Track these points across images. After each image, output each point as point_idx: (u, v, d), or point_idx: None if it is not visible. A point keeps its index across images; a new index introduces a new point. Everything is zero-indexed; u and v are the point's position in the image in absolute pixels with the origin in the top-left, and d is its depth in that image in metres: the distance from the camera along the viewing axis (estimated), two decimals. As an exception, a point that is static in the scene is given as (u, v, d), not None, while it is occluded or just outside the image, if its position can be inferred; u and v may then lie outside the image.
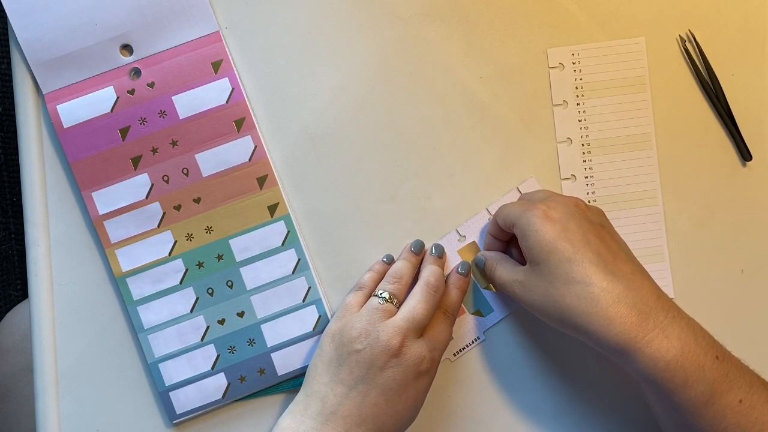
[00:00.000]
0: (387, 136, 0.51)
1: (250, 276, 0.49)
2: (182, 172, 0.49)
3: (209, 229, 0.49)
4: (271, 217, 0.50)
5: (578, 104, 0.52)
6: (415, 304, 0.45)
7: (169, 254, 0.49)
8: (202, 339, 0.49)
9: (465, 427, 0.50)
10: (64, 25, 0.48)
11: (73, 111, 0.49)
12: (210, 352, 0.49)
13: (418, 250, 0.50)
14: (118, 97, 0.49)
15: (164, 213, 0.49)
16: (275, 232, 0.50)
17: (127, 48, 0.49)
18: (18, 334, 0.65)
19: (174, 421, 0.49)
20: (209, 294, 0.49)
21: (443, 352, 0.47)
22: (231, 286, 0.49)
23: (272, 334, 0.49)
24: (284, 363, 0.49)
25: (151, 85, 0.49)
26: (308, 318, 0.50)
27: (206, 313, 0.49)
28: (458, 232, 0.51)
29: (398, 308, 0.46)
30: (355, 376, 0.43)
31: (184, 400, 0.49)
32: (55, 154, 0.50)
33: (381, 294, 0.46)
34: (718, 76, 0.51)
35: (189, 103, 0.49)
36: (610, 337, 0.40)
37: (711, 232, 0.52)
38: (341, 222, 0.51)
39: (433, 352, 0.45)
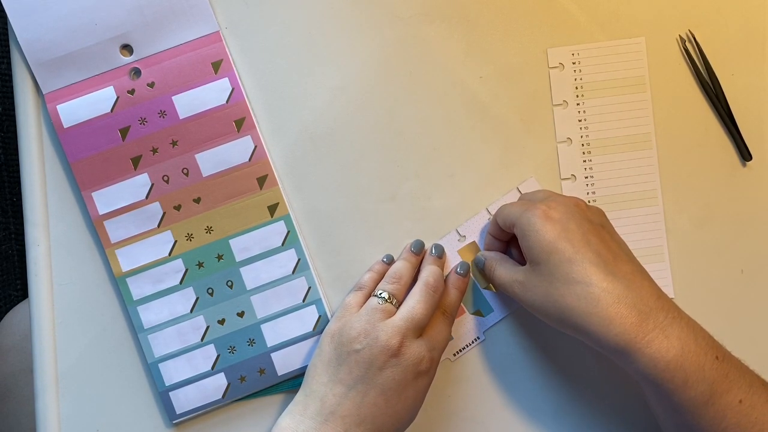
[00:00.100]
0: (387, 136, 0.51)
1: (250, 276, 0.49)
2: (182, 172, 0.49)
3: (209, 229, 0.49)
4: (271, 217, 0.50)
5: (578, 104, 0.52)
6: (414, 304, 0.45)
7: (169, 254, 0.49)
8: (202, 339, 0.49)
9: (465, 427, 0.50)
10: (64, 25, 0.48)
11: (73, 111, 0.49)
12: (210, 352, 0.49)
13: (418, 250, 0.50)
14: (118, 97, 0.49)
15: (164, 213, 0.49)
16: (275, 232, 0.50)
17: (127, 48, 0.49)
18: (18, 334, 0.65)
19: (174, 421, 0.49)
20: (209, 294, 0.49)
21: (442, 352, 0.47)
22: (231, 286, 0.49)
23: (272, 334, 0.49)
24: (284, 363, 0.49)
25: (151, 85, 0.49)
26: (308, 318, 0.50)
27: (206, 313, 0.49)
28: (458, 232, 0.51)
29: (398, 308, 0.46)
30: (354, 375, 0.43)
31: (184, 400, 0.49)
32: (55, 154, 0.50)
33: (380, 294, 0.46)
34: (718, 76, 0.51)
35: (189, 103, 0.49)
36: (610, 337, 0.40)
37: (711, 232, 0.52)
38: (341, 222, 0.51)
39: (432, 352, 0.45)
